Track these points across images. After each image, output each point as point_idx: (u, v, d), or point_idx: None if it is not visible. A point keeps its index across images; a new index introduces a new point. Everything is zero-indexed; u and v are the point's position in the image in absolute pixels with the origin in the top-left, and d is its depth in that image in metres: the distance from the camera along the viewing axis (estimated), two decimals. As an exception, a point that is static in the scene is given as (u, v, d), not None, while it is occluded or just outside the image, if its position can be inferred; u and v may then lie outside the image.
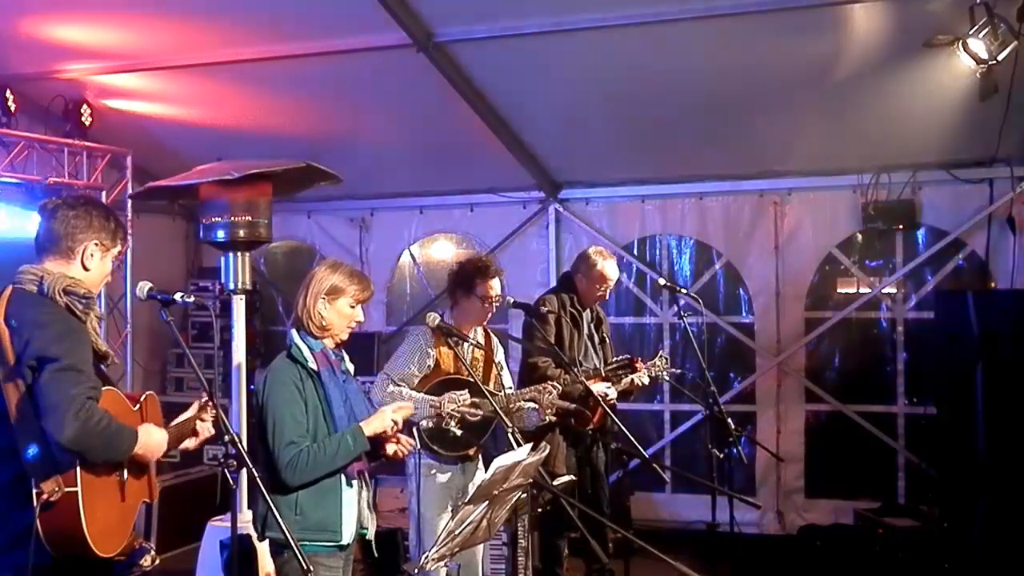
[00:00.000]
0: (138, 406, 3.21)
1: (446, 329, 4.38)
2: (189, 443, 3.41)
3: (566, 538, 5.51)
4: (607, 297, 5.65)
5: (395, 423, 3.63)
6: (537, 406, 4.72)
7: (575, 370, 5.05)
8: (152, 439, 3.09)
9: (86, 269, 3.12)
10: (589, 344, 5.55)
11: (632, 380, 5.40)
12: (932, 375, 6.55)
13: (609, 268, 5.52)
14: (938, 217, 6.94)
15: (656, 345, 7.51)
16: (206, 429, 3.38)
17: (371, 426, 3.58)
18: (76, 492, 2.84)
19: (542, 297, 5.59)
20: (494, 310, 4.82)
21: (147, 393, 3.30)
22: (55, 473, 2.83)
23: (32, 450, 2.82)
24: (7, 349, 2.87)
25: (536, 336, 5.19)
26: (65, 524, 2.85)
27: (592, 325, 5.63)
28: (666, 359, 5.55)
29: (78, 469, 2.85)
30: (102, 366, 3.13)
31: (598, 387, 5.16)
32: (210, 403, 3.35)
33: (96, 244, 3.13)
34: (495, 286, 4.76)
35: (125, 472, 3.06)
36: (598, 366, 5.46)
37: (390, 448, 3.72)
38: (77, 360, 2.87)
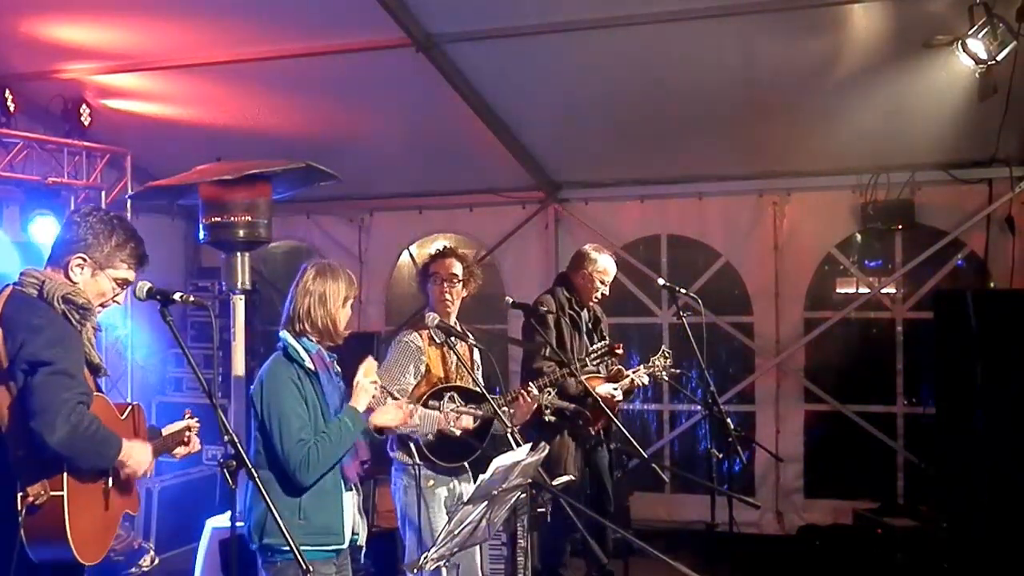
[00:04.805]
0: (125, 415, 3.22)
1: (444, 328, 4.35)
2: (180, 450, 3.44)
3: (569, 538, 5.50)
4: (607, 294, 5.61)
5: (376, 384, 3.66)
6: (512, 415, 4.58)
7: (575, 370, 5.04)
8: (135, 450, 3.06)
9: (72, 282, 3.06)
10: (588, 344, 5.54)
11: (631, 380, 5.39)
12: (931, 375, 6.55)
13: (608, 263, 5.51)
14: (937, 217, 6.94)
15: (656, 345, 7.51)
16: (195, 441, 3.42)
17: (359, 402, 3.59)
18: (62, 496, 2.83)
19: (540, 298, 5.55)
20: (456, 292, 4.61)
21: (133, 403, 3.30)
22: (42, 476, 2.82)
23: (20, 452, 2.81)
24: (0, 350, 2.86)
25: (536, 339, 5.14)
26: (49, 528, 2.83)
27: (590, 324, 5.62)
28: (668, 354, 5.47)
29: (65, 474, 2.84)
30: (96, 378, 3.11)
31: (604, 388, 5.14)
32: (195, 418, 3.43)
33: (82, 259, 3.06)
34: (451, 265, 4.62)
35: (110, 481, 3.06)
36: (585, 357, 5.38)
37: (389, 418, 3.76)
38: (69, 365, 2.85)
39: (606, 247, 5.78)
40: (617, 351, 5.28)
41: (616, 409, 5.27)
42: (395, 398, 4.34)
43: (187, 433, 3.44)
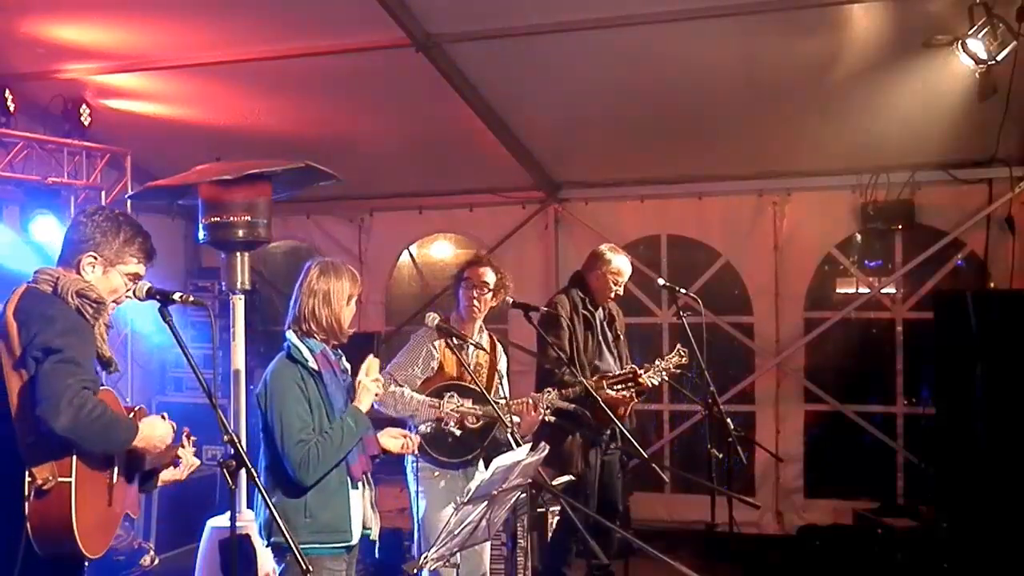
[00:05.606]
0: (131, 416, 3.23)
1: (445, 329, 4.37)
2: (176, 474, 3.39)
3: (574, 537, 5.49)
4: (621, 294, 5.59)
5: (378, 382, 3.68)
6: (520, 420, 4.63)
7: (574, 370, 5.04)
8: (156, 430, 3.10)
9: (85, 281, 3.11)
10: (603, 343, 5.53)
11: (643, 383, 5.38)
12: (931, 375, 6.55)
13: (623, 263, 5.50)
14: (937, 217, 6.94)
15: (656, 345, 7.52)
16: (187, 457, 3.37)
17: (363, 402, 3.62)
18: (69, 483, 2.85)
19: (554, 298, 5.55)
20: (485, 300, 4.74)
21: (137, 407, 3.32)
22: (50, 459, 2.84)
23: (30, 439, 2.84)
24: (14, 341, 2.90)
25: (548, 342, 5.14)
26: (55, 514, 2.84)
27: (605, 323, 5.60)
28: (684, 352, 5.37)
29: (74, 459, 2.86)
30: (105, 372, 3.14)
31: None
32: (192, 436, 3.40)
33: (93, 257, 3.12)
34: (484, 273, 4.75)
35: (115, 474, 3.07)
36: (613, 365, 5.44)
37: (392, 444, 3.82)
38: (78, 354, 2.89)
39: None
40: (640, 379, 5.28)
41: (629, 407, 5.28)
42: (399, 385, 4.55)
43: (178, 450, 3.36)
